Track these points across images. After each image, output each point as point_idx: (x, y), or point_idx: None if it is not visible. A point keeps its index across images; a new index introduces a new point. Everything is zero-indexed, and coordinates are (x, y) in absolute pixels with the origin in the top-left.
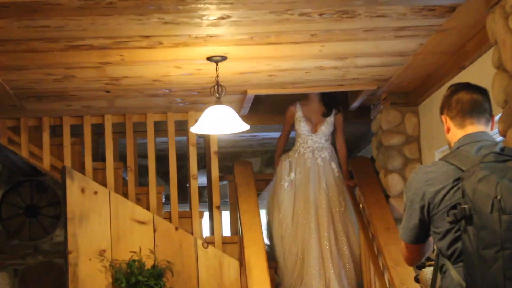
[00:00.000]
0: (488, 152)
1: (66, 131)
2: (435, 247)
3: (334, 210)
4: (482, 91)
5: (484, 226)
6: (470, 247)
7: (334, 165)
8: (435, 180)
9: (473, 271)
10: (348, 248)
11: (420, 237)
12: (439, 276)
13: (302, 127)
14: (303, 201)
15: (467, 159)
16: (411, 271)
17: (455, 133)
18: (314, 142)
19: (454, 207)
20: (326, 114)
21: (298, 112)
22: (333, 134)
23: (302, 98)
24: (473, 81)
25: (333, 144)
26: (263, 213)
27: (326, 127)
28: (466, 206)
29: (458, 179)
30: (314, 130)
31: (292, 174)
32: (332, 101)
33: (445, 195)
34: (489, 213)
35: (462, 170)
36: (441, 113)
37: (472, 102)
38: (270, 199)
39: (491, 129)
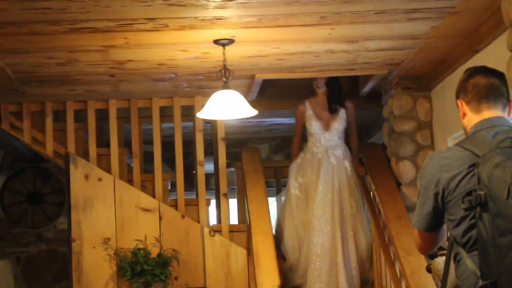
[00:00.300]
0: (505, 137)
1: (70, 116)
2: (448, 235)
3: (345, 212)
4: (499, 75)
5: (499, 213)
6: (486, 234)
7: (347, 164)
8: (450, 166)
9: (488, 259)
10: (355, 253)
11: (434, 224)
12: (452, 265)
13: (314, 125)
14: (315, 203)
15: (483, 144)
16: (422, 261)
17: (471, 118)
18: (328, 140)
19: (469, 193)
20: (332, 110)
21: (308, 110)
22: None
23: (310, 95)
24: (488, 64)
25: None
26: (271, 201)
27: (339, 124)
28: (481, 192)
29: (473, 165)
30: (326, 127)
31: (300, 179)
32: (335, 96)
33: (460, 181)
34: (505, 199)
35: (478, 156)
36: (457, 97)
37: (489, 86)
38: (281, 208)
39: (508, 114)
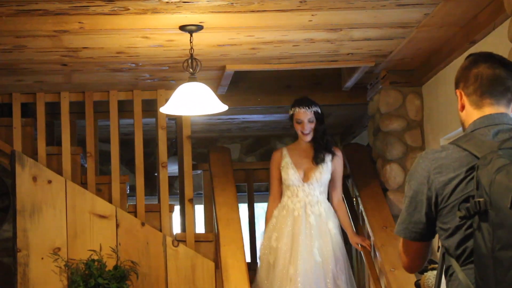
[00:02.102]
0: (507, 137)
1: (16, 110)
2: (439, 245)
3: (328, 285)
4: (507, 66)
5: (501, 224)
6: (484, 247)
7: (331, 225)
8: (446, 167)
9: (486, 274)
10: None
11: (425, 234)
12: (443, 279)
13: (291, 175)
14: (289, 274)
15: (483, 144)
16: (411, 276)
17: (471, 113)
18: (307, 194)
19: (466, 200)
20: (317, 160)
21: (285, 158)
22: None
23: (289, 141)
24: None
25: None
26: (242, 208)
27: (321, 174)
28: (481, 199)
29: (472, 168)
30: (305, 178)
31: (274, 243)
32: (322, 142)
33: (456, 186)
34: (509, 208)
35: (477, 157)
36: (456, 87)
37: (494, 79)
38: (257, 276)
39: None
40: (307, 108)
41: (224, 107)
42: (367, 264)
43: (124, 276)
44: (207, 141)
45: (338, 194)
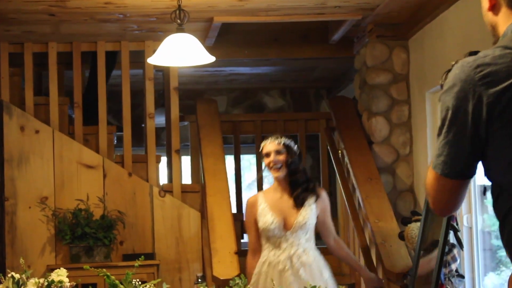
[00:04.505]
0: None
1: (4, 60)
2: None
3: None
4: None
5: None
6: None
7: (327, 275)
8: (496, 76)
9: None
10: None
11: (470, 166)
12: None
13: (270, 224)
14: None
15: None
16: (394, 227)
17: (508, 16)
18: (291, 244)
19: None
20: (297, 202)
21: (261, 204)
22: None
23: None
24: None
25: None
26: (228, 160)
27: (304, 219)
28: None
29: None
30: (287, 226)
31: None
32: (300, 182)
33: None
34: None
35: None
36: None
37: None
38: None
39: None
40: (274, 139)
41: (211, 58)
42: (351, 216)
43: (111, 225)
44: (194, 93)
45: (332, 233)
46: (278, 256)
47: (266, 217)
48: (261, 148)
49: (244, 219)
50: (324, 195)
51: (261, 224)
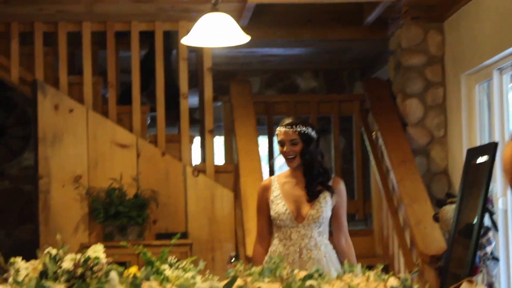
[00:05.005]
0: None
1: (38, 39)
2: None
3: None
4: None
5: None
6: None
7: (335, 273)
8: None
9: None
10: None
11: None
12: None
13: (281, 213)
14: None
15: None
16: (429, 209)
17: None
18: (302, 237)
19: None
20: (310, 195)
21: (275, 191)
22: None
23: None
24: None
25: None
26: (262, 140)
27: (318, 212)
28: None
29: None
30: (299, 217)
31: None
32: (315, 174)
33: None
34: None
35: None
36: None
37: None
38: None
39: None
40: (290, 127)
41: (246, 38)
42: (386, 198)
43: (144, 204)
44: (228, 74)
45: (345, 233)
46: (287, 247)
47: (279, 206)
48: (276, 132)
49: (256, 202)
50: (340, 187)
51: (272, 212)
